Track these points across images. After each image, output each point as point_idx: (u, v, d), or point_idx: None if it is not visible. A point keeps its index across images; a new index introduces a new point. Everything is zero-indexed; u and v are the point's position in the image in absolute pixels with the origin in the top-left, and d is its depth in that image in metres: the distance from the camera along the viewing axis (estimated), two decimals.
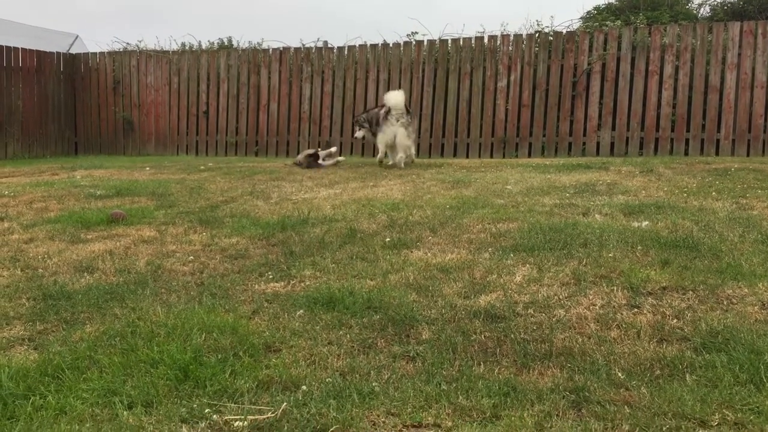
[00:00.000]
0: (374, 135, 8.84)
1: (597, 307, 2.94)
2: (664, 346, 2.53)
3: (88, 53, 13.60)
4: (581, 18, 12.28)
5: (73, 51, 15.06)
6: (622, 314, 2.85)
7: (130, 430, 1.95)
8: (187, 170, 8.64)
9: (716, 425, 1.93)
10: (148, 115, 12.82)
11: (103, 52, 13.21)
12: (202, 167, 8.94)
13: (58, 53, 13.27)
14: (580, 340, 2.61)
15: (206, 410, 2.08)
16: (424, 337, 2.69)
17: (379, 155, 8.74)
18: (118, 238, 4.58)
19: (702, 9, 12.00)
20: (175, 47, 13.16)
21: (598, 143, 10.20)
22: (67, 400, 2.18)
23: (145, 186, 6.87)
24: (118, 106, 13.00)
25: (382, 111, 8.68)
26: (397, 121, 8.41)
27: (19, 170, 9.33)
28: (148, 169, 8.92)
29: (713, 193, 5.56)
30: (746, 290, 3.05)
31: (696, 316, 2.78)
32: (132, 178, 7.85)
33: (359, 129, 9.10)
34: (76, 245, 4.40)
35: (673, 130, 9.86)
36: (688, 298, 2.99)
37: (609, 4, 12.46)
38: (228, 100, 12.23)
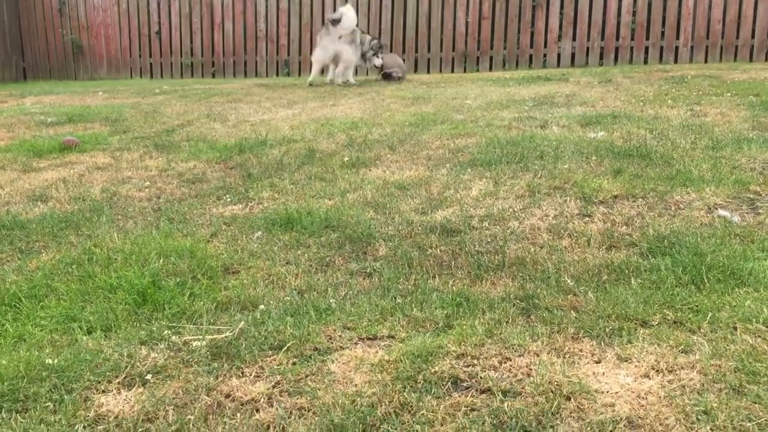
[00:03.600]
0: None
1: (550, 218, 3.00)
2: (613, 253, 2.61)
3: None
4: None
5: None
6: (573, 223, 2.92)
7: (90, 353, 1.98)
8: (142, 94, 8.42)
9: (656, 324, 2.02)
10: (98, 38, 12.34)
11: None
12: (157, 90, 8.71)
13: None
14: (533, 250, 2.67)
15: (165, 332, 2.11)
16: (380, 253, 2.74)
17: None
18: (72, 165, 4.50)
19: None
20: None
21: (559, 54, 10.16)
22: (25, 327, 2.19)
23: (98, 111, 6.69)
24: (66, 28, 12.46)
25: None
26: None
27: None
28: (100, 93, 8.67)
29: (669, 101, 5.62)
30: (694, 195, 3.13)
31: (644, 223, 2.86)
32: (84, 103, 7.62)
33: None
34: (29, 174, 4.31)
35: (633, 39, 9.84)
36: (638, 206, 3.07)
37: None
38: (180, 19, 11.80)
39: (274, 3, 11.27)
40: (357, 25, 8.56)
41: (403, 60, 10.63)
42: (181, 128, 5.69)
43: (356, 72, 9.23)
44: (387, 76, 8.84)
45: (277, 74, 11.35)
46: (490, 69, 10.34)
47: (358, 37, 8.53)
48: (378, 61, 8.72)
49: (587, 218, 2.98)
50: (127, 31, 12.13)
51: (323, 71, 8.76)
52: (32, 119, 6.33)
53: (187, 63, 11.88)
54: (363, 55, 8.65)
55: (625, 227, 2.84)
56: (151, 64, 12.13)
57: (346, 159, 4.24)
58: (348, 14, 8.25)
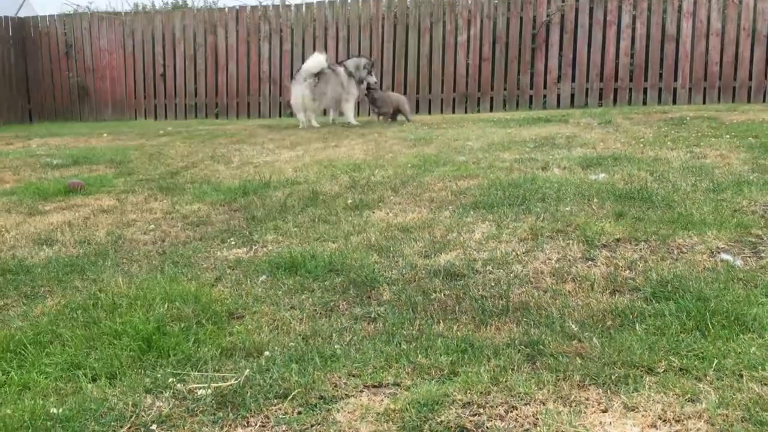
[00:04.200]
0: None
1: (553, 262, 3.01)
2: (616, 297, 2.61)
3: (37, 17, 13.15)
4: None
5: (22, 15, 14.55)
6: (577, 267, 2.93)
7: (95, 402, 1.97)
8: (146, 135, 8.50)
9: (662, 372, 2.01)
10: (103, 80, 12.51)
11: (53, 16, 12.79)
12: (161, 132, 8.80)
13: (6, 17, 12.80)
14: (536, 294, 2.68)
15: (170, 380, 2.11)
16: (385, 297, 2.74)
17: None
18: (77, 208, 4.53)
19: None
20: (127, 8, 12.84)
21: (558, 95, 10.27)
22: (30, 375, 2.19)
23: (103, 153, 6.75)
24: (72, 71, 12.64)
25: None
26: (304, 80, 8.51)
27: None
28: (105, 135, 8.75)
29: (668, 142, 5.67)
30: (696, 239, 3.15)
31: (647, 267, 2.87)
32: (89, 145, 7.70)
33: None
34: (34, 217, 4.34)
35: (631, 80, 9.97)
36: (641, 249, 3.08)
37: None
38: (185, 61, 11.98)
39: (278, 45, 11.46)
40: (332, 68, 8.80)
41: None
42: (185, 170, 5.74)
43: (358, 112, 9.38)
44: (383, 115, 8.95)
45: (280, 115, 11.47)
46: (491, 109, 10.45)
47: (333, 79, 8.71)
48: (372, 79, 8.88)
49: (590, 262, 2.99)
50: (133, 73, 12.30)
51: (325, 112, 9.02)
52: (38, 161, 6.39)
53: (192, 104, 12.02)
54: (360, 81, 8.84)
55: (628, 271, 2.85)
56: (155, 105, 12.27)
57: (349, 201, 4.26)
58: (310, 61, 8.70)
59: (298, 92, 8.64)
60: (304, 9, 11.37)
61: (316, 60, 8.68)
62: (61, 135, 9.08)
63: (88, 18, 12.53)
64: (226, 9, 11.83)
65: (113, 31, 12.33)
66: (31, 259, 3.46)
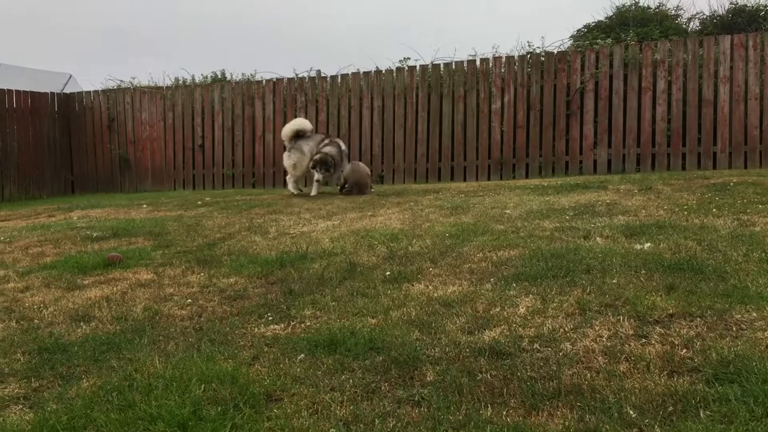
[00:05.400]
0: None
1: (604, 339, 2.87)
2: (675, 379, 2.46)
3: (82, 92, 13.65)
4: (571, 37, 12.33)
5: (67, 90, 15.11)
6: (630, 345, 2.78)
7: None
8: (185, 206, 8.59)
9: None
10: (144, 151, 12.83)
11: (97, 91, 13.28)
12: (199, 202, 8.89)
13: (53, 93, 13.31)
14: (589, 375, 2.54)
15: None
16: (428, 378, 2.63)
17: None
18: (115, 282, 4.52)
19: (691, 23, 12.03)
20: (168, 82, 13.24)
21: (595, 161, 10.18)
22: None
23: (142, 225, 6.81)
24: (114, 143, 13.01)
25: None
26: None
27: (16, 213, 9.29)
28: (145, 206, 8.87)
29: (714, 209, 5.51)
30: (755, 314, 2.99)
31: (705, 345, 2.71)
32: (129, 217, 7.79)
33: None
34: (73, 292, 4.34)
35: (669, 145, 9.85)
36: (696, 326, 2.93)
37: (599, 22, 12.51)
38: (223, 132, 12.24)
39: (313, 115, 11.65)
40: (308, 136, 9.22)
41: (440, 168, 10.74)
42: (222, 242, 5.74)
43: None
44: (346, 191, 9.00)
45: None
46: (527, 176, 10.39)
47: (305, 145, 9.13)
48: (317, 156, 8.94)
49: (644, 339, 2.84)
50: (172, 144, 12.61)
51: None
52: (78, 234, 6.46)
53: (229, 174, 12.21)
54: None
55: (685, 350, 2.70)
56: (194, 175, 12.50)
57: (387, 273, 4.18)
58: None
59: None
60: (339, 79, 11.60)
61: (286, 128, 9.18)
62: (101, 206, 9.23)
63: (131, 92, 12.96)
64: (264, 81, 12.13)
65: (154, 104, 12.71)
66: (68, 336, 3.43)
